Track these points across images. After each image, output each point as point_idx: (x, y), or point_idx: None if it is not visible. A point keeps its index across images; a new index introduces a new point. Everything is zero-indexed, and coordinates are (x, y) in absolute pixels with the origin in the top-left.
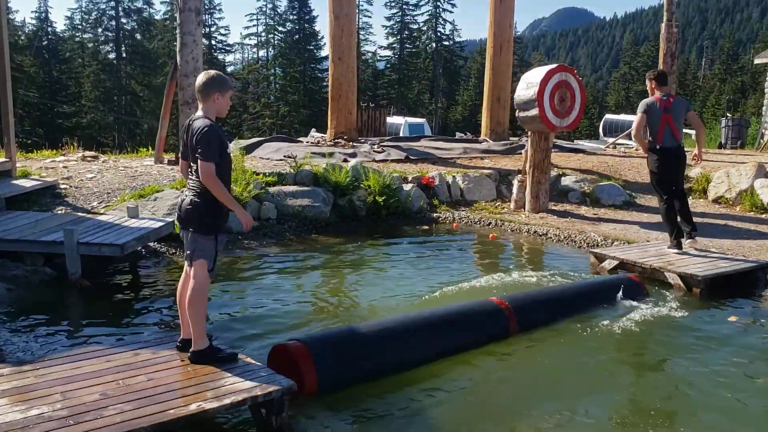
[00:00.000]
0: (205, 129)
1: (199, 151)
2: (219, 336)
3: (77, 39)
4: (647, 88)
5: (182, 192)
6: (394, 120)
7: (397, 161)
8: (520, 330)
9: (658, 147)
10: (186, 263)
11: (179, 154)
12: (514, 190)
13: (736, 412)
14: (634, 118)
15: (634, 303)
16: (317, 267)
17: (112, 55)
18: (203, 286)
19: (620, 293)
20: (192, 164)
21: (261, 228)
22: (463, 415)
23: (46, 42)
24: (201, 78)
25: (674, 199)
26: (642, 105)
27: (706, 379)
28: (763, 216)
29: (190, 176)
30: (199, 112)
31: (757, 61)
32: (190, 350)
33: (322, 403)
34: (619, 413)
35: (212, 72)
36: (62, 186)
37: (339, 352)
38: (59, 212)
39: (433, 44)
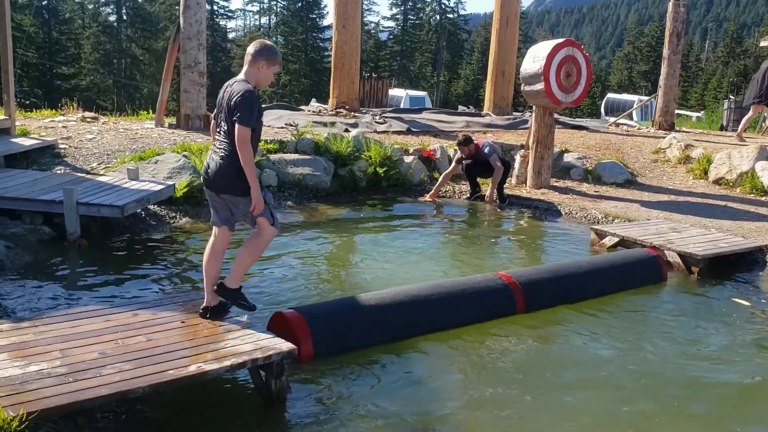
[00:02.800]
0: (246, 93)
1: (238, 115)
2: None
3: (77, 0)
4: (466, 152)
5: (209, 155)
6: (395, 93)
7: (399, 133)
8: (528, 309)
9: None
10: (215, 226)
11: (212, 115)
12: (516, 165)
13: (738, 394)
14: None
15: (647, 281)
16: (316, 235)
17: (112, 17)
18: (266, 241)
19: (641, 271)
20: (221, 124)
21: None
22: (445, 389)
23: (45, 1)
24: (255, 44)
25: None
26: (497, 150)
27: (705, 360)
28: (763, 198)
29: (217, 137)
30: (240, 75)
31: (763, 43)
32: (220, 281)
33: (317, 370)
34: (614, 398)
35: (267, 42)
36: (61, 146)
37: (335, 323)
38: (58, 172)
39: (437, 16)
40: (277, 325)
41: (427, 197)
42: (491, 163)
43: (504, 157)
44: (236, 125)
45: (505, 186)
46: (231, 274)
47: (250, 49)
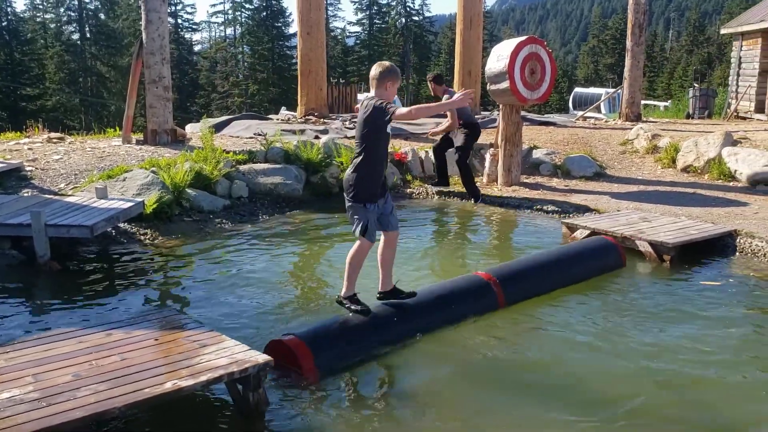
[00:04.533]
0: (376, 102)
1: (381, 113)
2: (195, 311)
3: (38, 19)
4: (438, 92)
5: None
6: (364, 97)
7: None
8: (507, 303)
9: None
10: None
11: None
12: (487, 163)
13: (717, 379)
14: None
15: (609, 269)
16: (291, 245)
17: (75, 36)
18: (360, 247)
19: (603, 257)
20: (356, 141)
21: (233, 207)
22: (446, 391)
23: (5, 23)
24: (377, 67)
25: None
26: (468, 110)
27: (683, 345)
28: (731, 183)
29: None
30: (371, 94)
31: (723, 31)
32: (338, 294)
33: (296, 381)
34: (596, 389)
35: (387, 63)
36: (28, 168)
37: (333, 343)
38: (25, 195)
39: (403, 19)
40: (277, 352)
41: (429, 133)
42: (449, 116)
43: (475, 121)
44: (394, 112)
45: (477, 183)
46: (344, 285)
47: (374, 73)
